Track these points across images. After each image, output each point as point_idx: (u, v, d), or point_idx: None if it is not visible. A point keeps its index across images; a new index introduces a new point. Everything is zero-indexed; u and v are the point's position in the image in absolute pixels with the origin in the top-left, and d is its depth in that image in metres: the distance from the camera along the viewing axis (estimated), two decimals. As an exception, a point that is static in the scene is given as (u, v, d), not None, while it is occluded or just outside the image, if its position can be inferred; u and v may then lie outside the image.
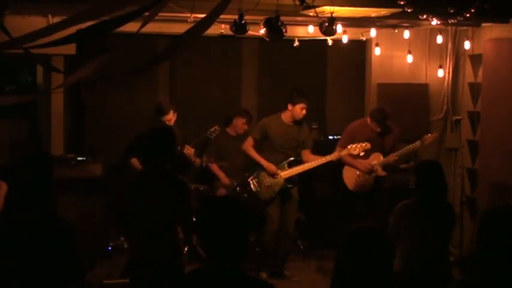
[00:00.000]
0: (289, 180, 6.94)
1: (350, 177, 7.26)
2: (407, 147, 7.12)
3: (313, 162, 6.94)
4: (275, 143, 6.95)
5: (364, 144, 6.91)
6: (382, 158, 7.14)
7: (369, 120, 7.22)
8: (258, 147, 7.05)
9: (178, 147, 6.74)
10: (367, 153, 7.10)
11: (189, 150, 7.16)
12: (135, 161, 7.03)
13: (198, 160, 7.44)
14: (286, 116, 6.95)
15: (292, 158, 6.99)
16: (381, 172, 7.14)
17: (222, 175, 7.66)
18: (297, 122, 6.98)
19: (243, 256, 2.78)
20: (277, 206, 6.96)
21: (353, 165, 7.17)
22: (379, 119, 7.07)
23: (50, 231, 3.60)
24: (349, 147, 6.95)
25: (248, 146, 7.04)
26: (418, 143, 7.09)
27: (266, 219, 6.93)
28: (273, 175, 6.89)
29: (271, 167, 6.88)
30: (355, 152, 6.93)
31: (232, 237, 2.75)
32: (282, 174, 6.90)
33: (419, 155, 7.85)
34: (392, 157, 7.09)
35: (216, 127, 7.46)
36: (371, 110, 7.40)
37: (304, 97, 6.88)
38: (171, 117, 7.21)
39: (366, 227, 2.79)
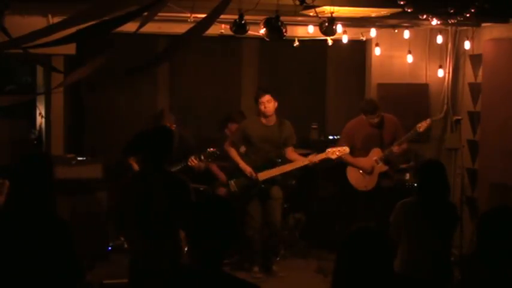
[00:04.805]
0: (265, 180, 7.02)
1: (354, 176, 7.33)
2: (405, 136, 7.15)
3: (287, 166, 7.03)
4: (254, 143, 7.05)
5: (343, 149, 7.00)
6: (381, 152, 7.21)
7: (363, 116, 7.27)
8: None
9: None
10: (367, 150, 7.22)
11: (193, 163, 6.95)
12: (133, 161, 7.03)
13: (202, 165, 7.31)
14: (261, 116, 7.07)
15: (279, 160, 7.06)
16: (383, 167, 7.21)
17: (221, 175, 7.66)
18: (277, 121, 7.03)
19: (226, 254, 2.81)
20: (257, 205, 7.06)
21: (355, 164, 7.25)
22: (371, 109, 7.16)
23: (48, 231, 3.60)
24: (328, 150, 7.04)
25: (229, 147, 7.16)
26: (412, 131, 7.10)
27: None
28: (250, 177, 6.98)
29: (247, 169, 6.99)
30: (334, 156, 7.00)
31: (222, 235, 2.75)
32: (260, 175, 6.99)
33: (420, 154, 7.85)
34: (395, 148, 7.10)
35: (216, 150, 7.03)
36: (360, 106, 7.38)
37: (261, 90, 7.02)
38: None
39: (366, 227, 2.79)
